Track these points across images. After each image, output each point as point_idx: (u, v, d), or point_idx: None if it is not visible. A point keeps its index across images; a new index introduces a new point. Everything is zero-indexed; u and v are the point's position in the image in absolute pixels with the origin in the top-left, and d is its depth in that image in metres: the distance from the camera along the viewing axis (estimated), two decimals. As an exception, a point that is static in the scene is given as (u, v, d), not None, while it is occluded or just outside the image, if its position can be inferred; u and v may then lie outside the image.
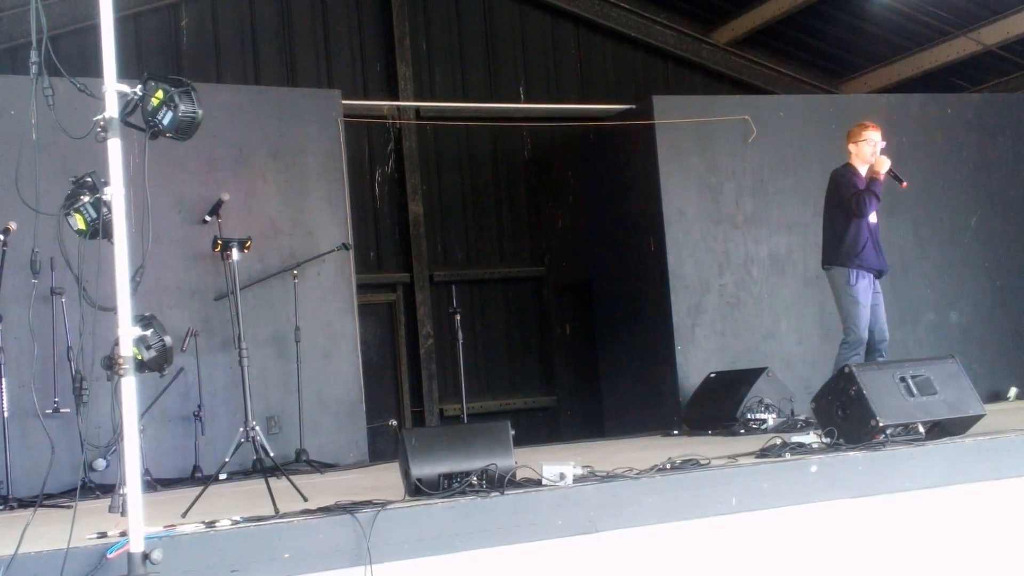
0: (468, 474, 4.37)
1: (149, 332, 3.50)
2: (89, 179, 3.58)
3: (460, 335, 8.30)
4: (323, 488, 5.33)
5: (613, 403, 9.83)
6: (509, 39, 11.17)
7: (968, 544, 5.04)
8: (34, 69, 3.48)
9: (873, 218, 7.13)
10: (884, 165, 7.15)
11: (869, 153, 7.17)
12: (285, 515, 4.09)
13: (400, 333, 10.53)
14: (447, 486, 4.35)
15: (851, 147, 7.29)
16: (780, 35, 11.50)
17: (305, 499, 4.62)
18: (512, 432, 4.59)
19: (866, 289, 7.06)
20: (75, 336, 6.47)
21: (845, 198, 7.09)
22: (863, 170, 7.17)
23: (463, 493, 4.31)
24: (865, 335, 7.00)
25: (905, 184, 7.22)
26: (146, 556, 3.34)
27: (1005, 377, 9.38)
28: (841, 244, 7.11)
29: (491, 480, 4.38)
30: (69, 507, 4.28)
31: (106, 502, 3.76)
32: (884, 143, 7.24)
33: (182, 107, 3.58)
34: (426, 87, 10.76)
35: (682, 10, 11.61)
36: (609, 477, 4.62)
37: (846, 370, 5.58)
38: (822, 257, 7.30)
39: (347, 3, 10.52)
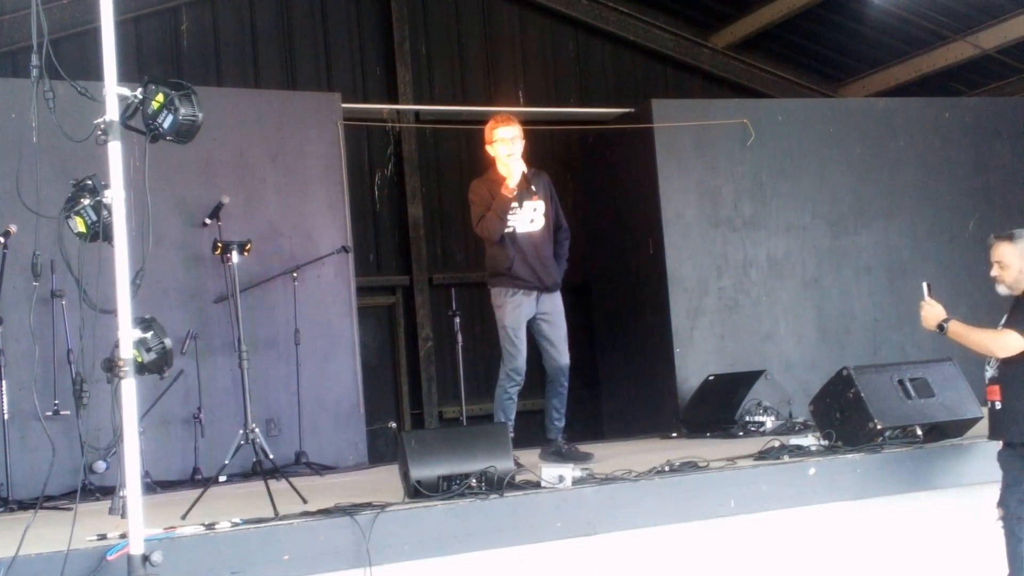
0: (467, 476, 4.38)
1: (149, 334, 3.51)
2: (89, 182, 3.59)
3: (459, 338, 8.29)
4: (323, 490, 5.34)
5: (612, 405, 9.84)
6: (508, 43, 11.16)
7: (967, 546, 5.06)
8: (35, 73, 3.49)
9: (526, 228, 6.11)
10: (514, 174, 5.97)
11: (504, 155, 5.99)
12: (285, 517, 4.11)
13: (399, 336, 10.51)
14: (446, 488, 4.36)
15: (488, 150, 6.10)
16: (778, 39, 11.50)
17: (305, 501, 4.63)
18: (511, 434, 4.60)
19: (516, 308, 6.26)
20: (75, 338, 6.47)
21: (473, 218, 6.11)
22: (512, 179, 5.98)
23: (462, 495, 4.33)
24: (519, 363, 6.23)
25: (536, 198, 6.06)
26: (146, 558, 3.35)
27: (1003, 380, 9.37)
28: (491, 260, 6.29)
29: (490, 482, 4.39)
30: (69, 509, 4.29)
31: (106, 504, 3.78)
32: (522, 140, 6.06)
33: (182, 110, 3.59)
34: (425, 90, 10.75)
35: (681, 14, 11.61)
36: (608, 479, 4.64)
37: (844, 372, 5.60)
38: None
39: (347, 7, 10.52)
